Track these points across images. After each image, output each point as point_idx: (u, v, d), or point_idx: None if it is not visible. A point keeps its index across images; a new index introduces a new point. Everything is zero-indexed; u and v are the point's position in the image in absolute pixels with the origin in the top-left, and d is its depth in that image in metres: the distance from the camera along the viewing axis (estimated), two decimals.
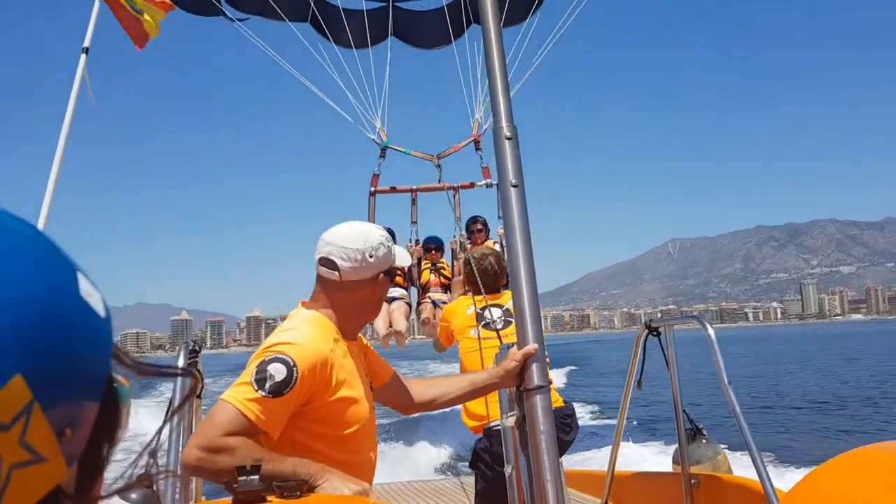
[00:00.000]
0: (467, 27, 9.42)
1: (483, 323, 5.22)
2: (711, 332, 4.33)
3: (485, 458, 4.96)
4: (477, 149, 8.90)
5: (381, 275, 2.78)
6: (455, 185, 8.86)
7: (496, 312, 5.30)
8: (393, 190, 9.02)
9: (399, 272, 8.02)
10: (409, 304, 8.62)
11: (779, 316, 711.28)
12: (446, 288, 8.53)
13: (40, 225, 6.67)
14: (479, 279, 4.99)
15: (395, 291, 8.36)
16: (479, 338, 5.05)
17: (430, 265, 8.67)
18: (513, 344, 2.82)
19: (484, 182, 8.76)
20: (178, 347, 4.22)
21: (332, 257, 2.70)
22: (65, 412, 0.66)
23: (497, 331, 4.95)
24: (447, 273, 8.61)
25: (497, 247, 7.85)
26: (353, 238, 2.72)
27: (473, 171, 9.00)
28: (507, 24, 8.66)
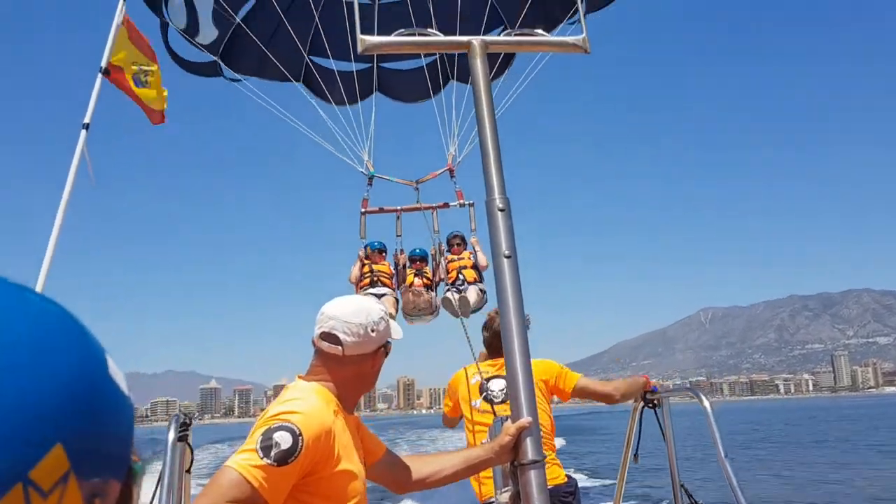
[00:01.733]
0: (444, 85, 10.99)
1: (484, 395, 5.29)
2: (707, 403, 4.46)
3: None
4: (451, 176, 10.02)
5: (381, 348, 2.92)
6: (433, 205, 9.84)
7: (499, 384, 5.33)
8: (381, 210, 9.95)
9: (386, 274, 9.46)
10: (396, 299, 9.38)
11: (810, 388, 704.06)
12: (428, 288, 9.42)
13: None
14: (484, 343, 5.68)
15: (383, 290, 9.26)
16: (473, 411, 5.37)
17: (414, 271, 9.53)
18: (507, 417, 2.86)
19: (457, 203, 9.78)
20: (168, 420, 4.27)
21: (335, 332, 2.81)
22: (95, 485, 0.71)
23: (492, 403, 4.93)
24: (429, 276, 9.50)
25: (476, 255, 9.46)
26: (355, 313, 2.83)
27: (450, 193, 9.99)
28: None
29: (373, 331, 2.84)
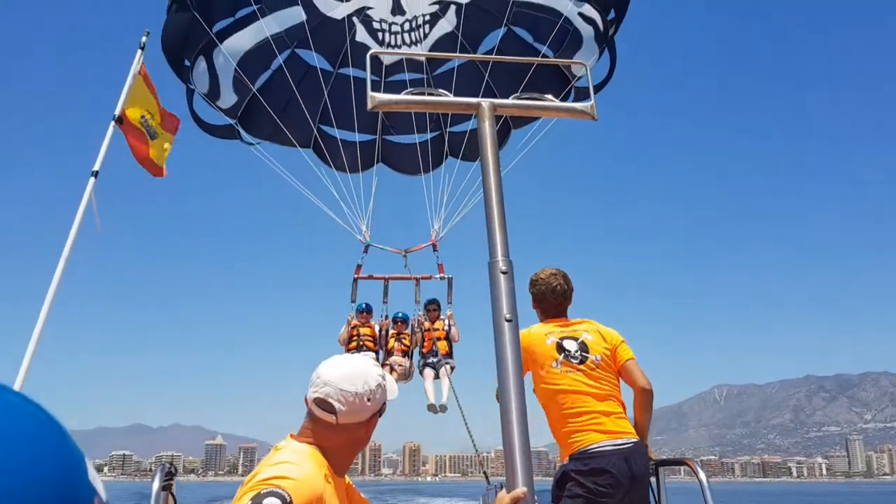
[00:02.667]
0: (444, 160, 11.93)
1: (563, 354, 5.48)
2: (703, 476, 4.63)
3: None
4: (434, 250, 11.07)
5: (375, 415, 2.84)
6: (417, 276, 10.92)
7: (572, 345, 5.54)
8: (371, 277, 10.90)
9: (370, 337, 10.47)
10: (378, 362, 10.10)
11: (824, 472, 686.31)
12: (405, 353, 10.48)
13: (25, 361, 7.51)
14: (548, 298, 5.69)
15: (368, 354, 10.14)
16: (552, 371, 5.47)
17: (395, 335, 10.64)
18: (502, 485, 2.88)
19: (438, 275, 10.91)
20: (155, 470, 4.38)
21: (329, 399, 2.71)
22: None
23: (572, 363, 5.43)
24: (407, 342, 10.58)
25: (450, 328, 10.51)
26: (352, 380, 2.74)
27: (433, 265, 11.17)
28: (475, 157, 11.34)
29: (369, 400, 2.76)
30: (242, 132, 11.78)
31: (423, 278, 11.10)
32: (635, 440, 5.34)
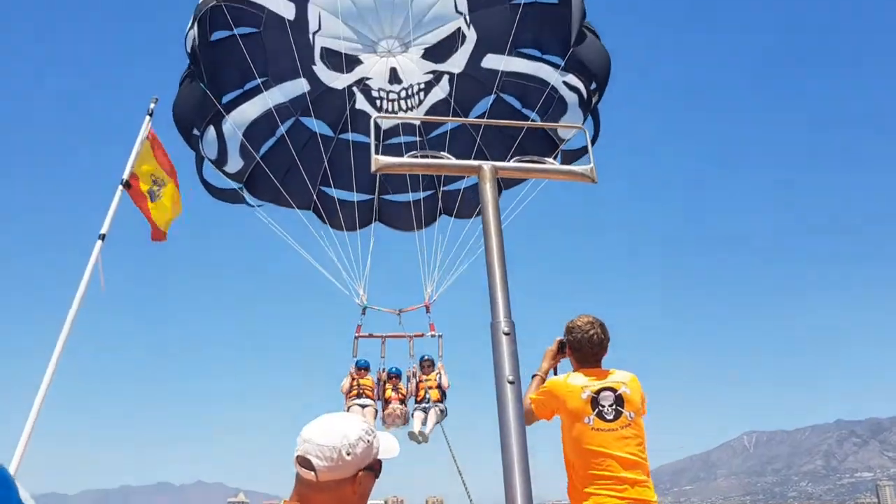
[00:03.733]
0: (438, 217, 13.09)
1: (597, 411, 5.43)
2: None
3: None
4: (427, 311, 12.30)
5: (360, 472, 2.72)
6: (411, 334, 12.20)
7: (608, 399, 5.48)
8: (370, 336, 12.16)
9: (369, 388, 11.59)
10: (376, 410, 11.63)
11: None
12: (401, 401, 11.71)
13: (32, 416, 7.79)
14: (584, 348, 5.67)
15: (366, 402, 11.48)
16: (586, 429, 5.43)
17: (391, 387, 11.83)
18: None
19: (430, 333, 12.20)
20: None
21: (308, 456, 2.66)
22: None
23: (606, 421, 5.39)
24: (403, 392, 11.81)
25: (440, 377, 11.77)
26: (328, 434, 2.68)
27: (424, 324, 12.48)
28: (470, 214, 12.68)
29: (348, 454, 2.68)
30: (247, 195, 12.68)
31: (416, 336, 12.36)
32: None
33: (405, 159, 3.49)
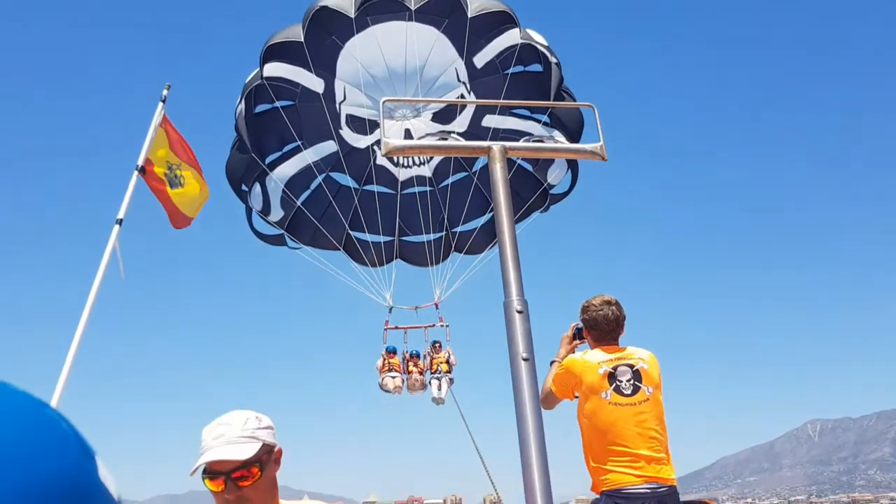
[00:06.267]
0: (450, 254, 15.64)
1: (614, 386, 5.40)
2: None
3: None
4: (437, 308, 15.39)
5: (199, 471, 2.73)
6: (425, 325, 15.50)
7: (625, 374, 5.46)
8: (396, 328, 15.40)
9: (396, 365, 15.25)
10: (403, 380, 15.18)
11: None
12: (420, 373, 15.23)
13: (55, 401, 7.42)
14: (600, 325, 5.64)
15: (395, 374, 15.07)
16: (604, 403, 5.39)
17: (413, 364, 15.30)
18: None
19: (439, 324, 15.43)
20: None
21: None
22: None
23: (623, 395, 5.37)
24: (421, 367, 15.29)
25: (449, 356, 15.33)
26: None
27: (434, 316, 15.66)
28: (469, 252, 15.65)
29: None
30: (288, 239, 15.19)
31: (429, 326, 15.71)
32: (670, 485, 5.38)
33: (415, 142, 3.43)
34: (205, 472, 2.75)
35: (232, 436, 2.76)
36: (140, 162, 9.83)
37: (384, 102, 4.38)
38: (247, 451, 2.74)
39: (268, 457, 2.83)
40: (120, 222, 9.18)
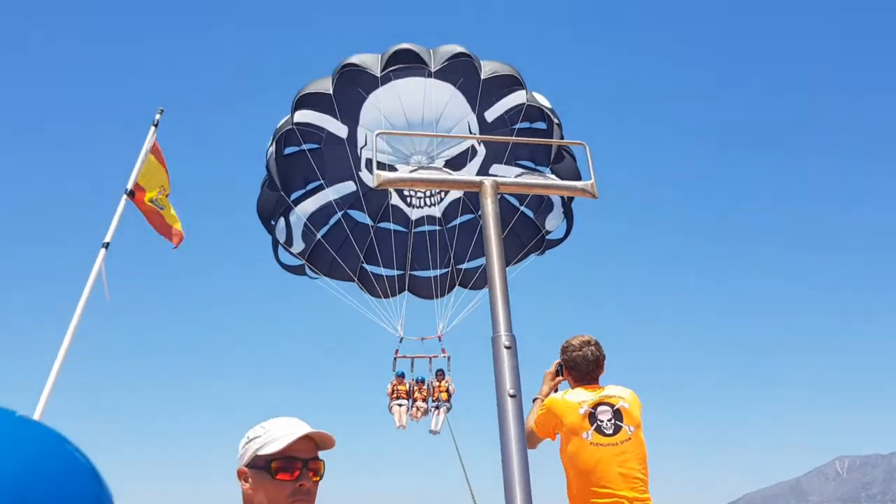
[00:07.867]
0: (455, 288, 17.03)
1: (595, 426, 5.36)
2: None
3: None
4: (439, 339, 16.63)
5: (242, 468, 2.76)
6: (429, 355, 16.67)
7: (605, 413, 5.45)
8: (403, 357, 16.62)
9: (404, 391, 16.53)
10: (408, 407, 16.34)
11: None
12: (424, 399, 16.52)
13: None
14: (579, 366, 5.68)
15: (402, 401, 16.37)
16: (585, 444, 5.37)
17: (418, 389, 16.57)
18: None
19: (442, 355, 16.64)
20: None
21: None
22: None
23: (605, 435, 5.32)
24: (424, 393, 16.51)
25: (449, 385, 16.69)
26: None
27: (438, 348, 16.82)
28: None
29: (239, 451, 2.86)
30: (308, 270, 16.59)
31: (433, 357, 16.97)
32: None
33: (407, 175, 3.45)
34: (272, 459, 2.74)
35: (306, 428, 2.85)
36: (129, 185, 9.78)
37: (378, 134, 5.03)
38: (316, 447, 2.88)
39: None
40: (106, 246, 9.14)
